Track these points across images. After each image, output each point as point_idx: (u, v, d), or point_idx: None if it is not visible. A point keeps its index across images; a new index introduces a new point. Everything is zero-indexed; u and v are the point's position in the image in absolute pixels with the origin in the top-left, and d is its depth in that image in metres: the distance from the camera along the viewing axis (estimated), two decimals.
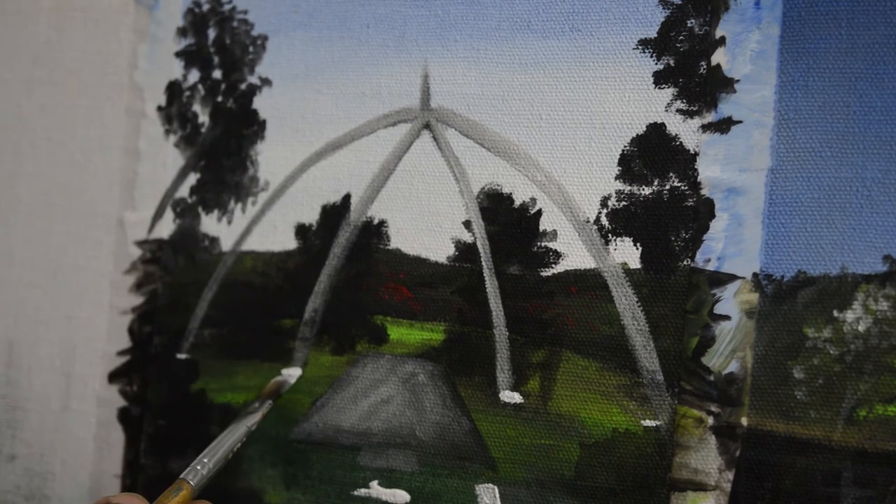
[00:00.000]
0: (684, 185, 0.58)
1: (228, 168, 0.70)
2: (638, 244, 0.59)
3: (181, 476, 0.56)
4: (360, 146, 0.66)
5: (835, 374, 0.54)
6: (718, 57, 0.57)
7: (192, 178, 0.71)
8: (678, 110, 0.58)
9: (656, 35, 0.59)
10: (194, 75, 0.71)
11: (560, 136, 0.61)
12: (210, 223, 0.70)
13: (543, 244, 0.61)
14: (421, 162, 0.64)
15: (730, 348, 0.56)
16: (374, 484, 0.63)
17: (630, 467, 0.58)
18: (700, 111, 0.58)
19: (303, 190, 0.67)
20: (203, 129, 0.71)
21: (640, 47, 0.59)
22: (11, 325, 0.76)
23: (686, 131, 0.58)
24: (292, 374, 0.66)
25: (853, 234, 0.54)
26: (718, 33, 0.58)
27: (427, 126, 0.64)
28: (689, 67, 0.58)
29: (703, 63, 0.58)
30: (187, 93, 0.72)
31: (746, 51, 0.57)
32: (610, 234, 0.59)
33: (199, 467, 0.57)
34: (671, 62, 0.58)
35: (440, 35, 0.64)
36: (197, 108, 0.71)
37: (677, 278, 0.57)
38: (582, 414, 0.59)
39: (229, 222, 0.69)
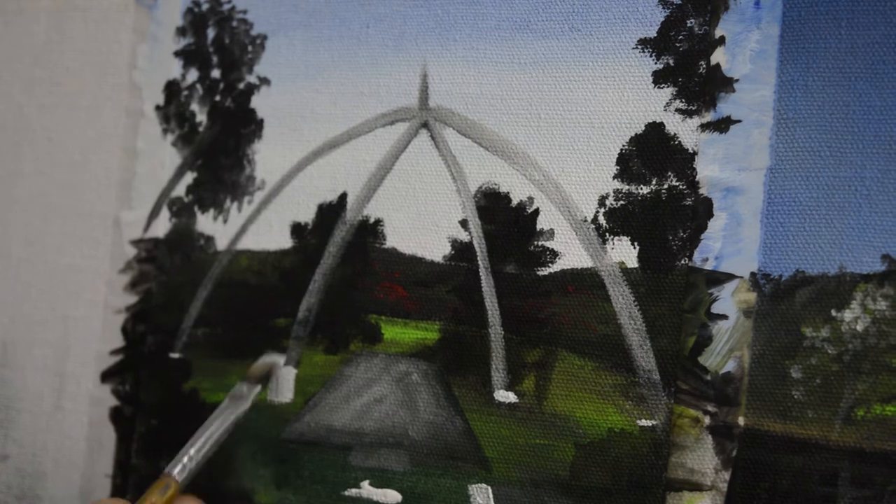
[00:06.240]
0: (683, 185, 0.57)
1: (225, 167, 0.69)
2: (635, 243, 0.58)
3: (166, 471, 0.55)
4: (358, 145, 0.66)
5: (833, 373, 0.54)
6: (718, 56, 0.57)
7: (189, 177, 0.71)
8: (677, 110, 0.58)
9: (656, 35, 0.59)
10: (193, 74, 0.71)
11: (558, 135, 0.61)
12: (206, 222, 0.70)
13: (540, 243, 0.60)
14: (418, 161, 0.64)
15: (727, 348, 0.56)
16: (366, 484, 0.63)
17: (626, 467, 0.57)
18: (699, 110, 0.57)
19: (299, 189, 0.67)
20: (201, 129, 0.71)
21: (639, 47, 0.59)
22: (8, 325, 0.76)
23: (685, 131, 0.58)
24: (276, 358, 0.65)
25: (852, 234, 0.54)
26: (718, 33, 0.57)
27: (425, 125, 0.64)
28: (688, 67, 0.58)
29: (702, 63, 0.58)
30: (185, 92, 0.71)
31: (746, 50, 0.57)
32: (607, 234, 0.59)
33: (185, 461, 0.56)
34: (670, 62, 0.58)
35: (439, 35, 0.64)
36: (195, 107, 0.71)
37: (675, 277, 0.57)
38: (577, 413, 0.58)
39: (225, 221, 0.69)
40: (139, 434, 0.70)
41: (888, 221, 0.53)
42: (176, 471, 0.55)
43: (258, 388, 0.63)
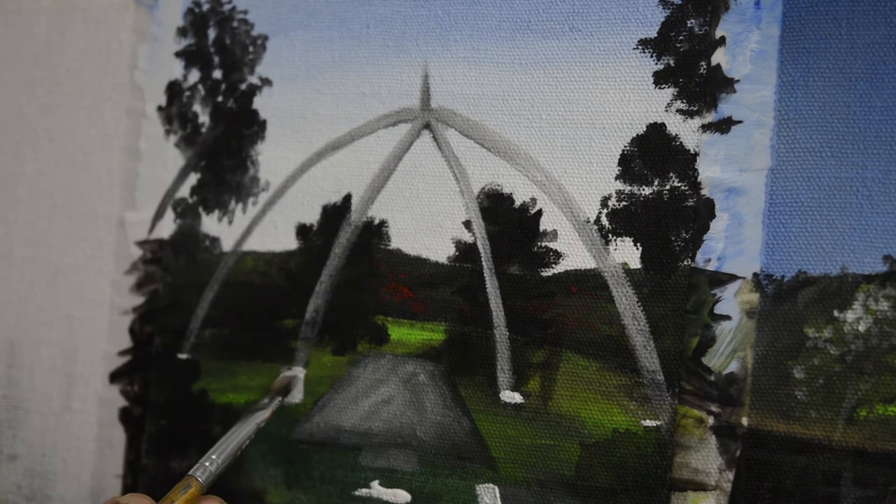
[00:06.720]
0: (684, 185, 0.58)
1: (229, 168, 0.70)
2: (638, 244, 0.59)
3: (189, 473, 0.56)
4: (361, 146, 0.66)
5: (835, 374, 0.54)
6: (718, 57, 0.57)
7: (193, 179, 0.71)
8: (678, 110, 0.58)
9: (656, 35, 0.59)
10: (194, 75, 0.71)
11: (560, 136, 0.61)
12: (211, 223, 0.70)
13: (544, 244, 0.61)
14: (421, 162, 0.64)
15: (730, 348, 0.56)
16: (375, 484, 0.63)
17: (630, 467, 0.58)
18: (700, 111, 0.58)
19: (303, 190, 0.67)
20: (203, 130, 0.71)
21: (640, 47, 0.59)
22: (13, 325, 0.76)
23: (686, 131, 0.58)
24: (296, 372, 0.66)
25: (853, 234, 0.54)
26: (718, 33, 0.58)
27: (427, 126, 0.64)
28: (689, 67, 0.58)
29: (703, 63, 0.58)
30: (187, 93, 0.72)
31: (746, 51, 0.57)
32: (610, 234, 0.59)
33: (207, 464, 0.57)
34: (671, 62, 0.58)
35: (440, 35, 0.64)
36: (197, 108, 0.71)
37: (677, 278, 0.57)
38: (582, 414, 0.59)
39: (230, 222, 0.69)
40: (148, 434, 0.71)
41: (890, 222, 0.54)
42: (198, 472, 0.56)
43: (279, 399, 0.64)
